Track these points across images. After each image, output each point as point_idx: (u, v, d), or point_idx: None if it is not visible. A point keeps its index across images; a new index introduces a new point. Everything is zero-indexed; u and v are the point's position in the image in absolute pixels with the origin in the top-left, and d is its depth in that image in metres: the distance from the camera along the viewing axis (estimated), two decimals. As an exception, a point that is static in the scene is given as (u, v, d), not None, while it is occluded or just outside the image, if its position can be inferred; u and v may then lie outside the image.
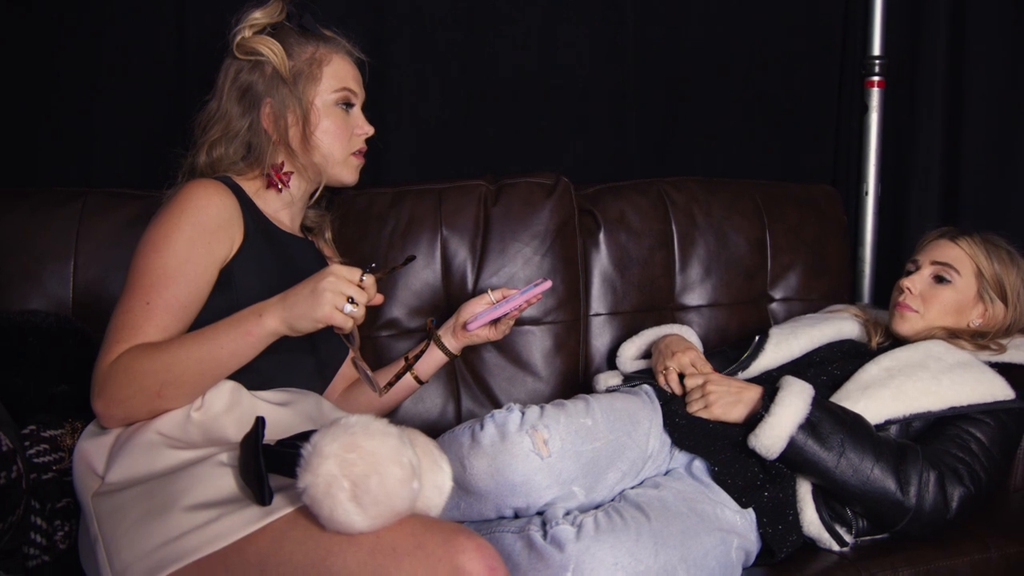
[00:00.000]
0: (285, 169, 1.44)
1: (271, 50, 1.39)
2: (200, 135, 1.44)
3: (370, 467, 1.01)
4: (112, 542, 1.13)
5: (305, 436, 1.07)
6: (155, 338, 1.23)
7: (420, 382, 1.62)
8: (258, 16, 1.42)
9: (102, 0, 1.91)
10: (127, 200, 1.73)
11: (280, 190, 1.44)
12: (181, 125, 1.49)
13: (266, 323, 1.21)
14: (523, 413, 1.38)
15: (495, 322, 1.60)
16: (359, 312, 1.20)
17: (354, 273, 1.21)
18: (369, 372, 1.34)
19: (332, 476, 1.01)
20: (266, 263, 1.37)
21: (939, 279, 1.67)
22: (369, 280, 1.22)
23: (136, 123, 1.94)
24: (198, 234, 1.29)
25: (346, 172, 1.47)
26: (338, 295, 1.19)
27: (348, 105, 1.45)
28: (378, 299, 1.25)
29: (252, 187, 1.43)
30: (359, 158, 1.49)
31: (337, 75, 1.44)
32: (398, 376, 1.47)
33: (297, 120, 1.41)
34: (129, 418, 1.24)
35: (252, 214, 1.39)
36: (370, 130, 1.48)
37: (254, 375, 1.29)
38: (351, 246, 1.77)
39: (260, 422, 1.12)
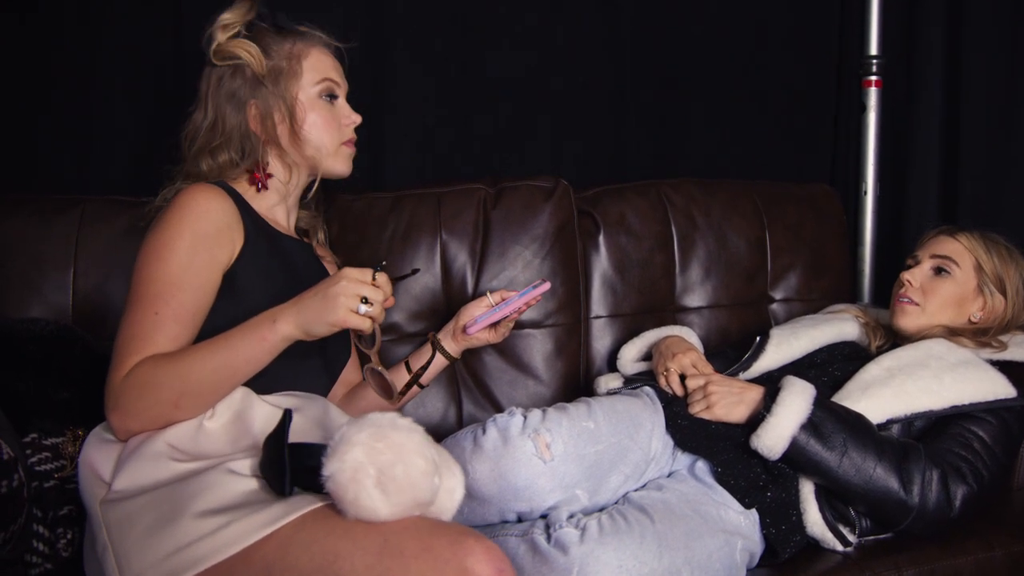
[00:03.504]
0: (268, 169, 1.43)
1: (247, 52, 1.38)
2: (189, 147, 1.43)
3: (396, 456, 1.04)
4: (123, 550, 1.13)
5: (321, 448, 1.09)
6: (166, 348, 1.23)
7: (421, 386, 1.62)
8: (227, 17, 1.40)
9: (101, 7, 1.91)
10: (126, 207, 1.73)
11: (259, 189, 1.44)
12: (180, 133, 1.48)
13: (280, 328, 1.21)
14: (525, 417, 1.37)
15: (494, 325, 1.59)
16: (376, 311, 1.20)
17: (366, 274, 1.21)
18: (387, 375, 1.34)
19: (359, 463, 1.03)
20: (268, 265, 1.37)
21: (939, 271, 1.68)
22: (382, 278, 1.22)
23: (135, 130, 1.95)
24: (200, 240, 1.28)
25: (339, 162, 1.47)
26: (352, 297, 1.19)
27: (332, 96, 1.45)
28: (389, 301, 1.25)
29: (247, 188, 1.43)
30: (350, 147, 1.48)
31: (316, 68, 1.43)
32: (408, 386, 1.47)
33: (284, 118, 1.40)
34: (145, 429, 1.23)
35: (251, 217, 1.39)
36: (357, 119, 1.47)
37: (261, 375, 1.28)
38: (351, 251, 1.77)
39: (288, 415, 1.13)
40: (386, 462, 1.04)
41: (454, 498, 1.14)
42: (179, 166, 1.45)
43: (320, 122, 1.43)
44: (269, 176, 1.44)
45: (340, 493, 1.04)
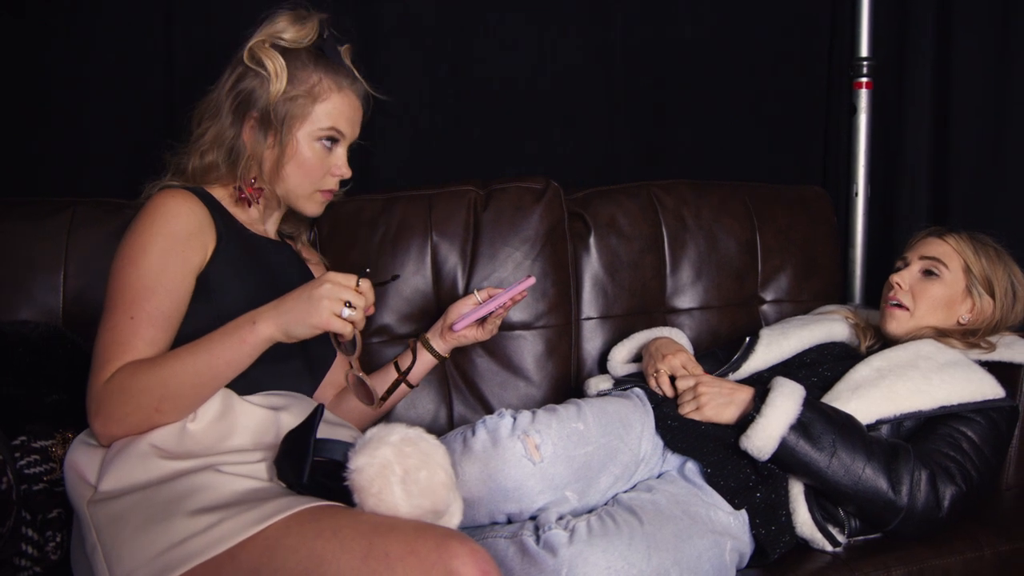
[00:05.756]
0: (257, 184, 1.43)
1: (275, 71, 1.37)
2: (196, 126, 1.43)
3: (422, 462, 1.11)
4: (113, 549, 1.13)
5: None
6: (144, 352, 1.23)
7: (410, 386, 1.62)
8: (289, 34, 1.38)
9: (92, 10, 1.91)
10: (116, 210, 1.73)
11: (250, 205, 1.44)
12: (171, 135, 1.48)
13: (260, 330, 1.22)
14: (515, 418, 1.38)
15: (482, 322, 1.60)
16: (358, 316, 1.21)
17: (350, 279, 1.22)
18: (368, 382, 1.35)
19: (387, 461, 1.09)
20: (242, 267, 1.37)
21: (928, 273, 1.68)
22: (366, 284, 1.23)
23: (126, 133, 1.94)
24: (171, 244, 1.29)
25: (309, 206, 1.45)
26: (335, 301, 1.20)
27: (332, 141, 1.42)
28: (370, 309, 1.25)
29: (223, 193, 1.43)
30: (326, 195, 1.46)
31: (330, 114, 1.40)
32: (392, 389, 1.48)
33: (274, 145, 1.39)
34: (128, 434, 1.24)
35: (224, 220, 1.39)
36: (347, 174, 1.45)
37: (241, 378, 1.28)
38: (341, 253, 1.77)
39: (320, 408, 1.17)
40: (412, 465, 1.10)
41: (452, 522, 1.18)
42: (179, 145, 1.44)
43: (307, 165, 1.41)
44: (260, 190, 1.43)
45: (365, 485, 1.09)
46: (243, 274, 1.37)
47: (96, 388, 1.22)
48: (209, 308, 1.31)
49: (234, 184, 1.43)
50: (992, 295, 1.66)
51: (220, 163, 1.41)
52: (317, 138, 1.41)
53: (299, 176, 1.41)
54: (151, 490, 1.17)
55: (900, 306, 1.68)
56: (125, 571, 1.11)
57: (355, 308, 1.20)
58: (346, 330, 1.21)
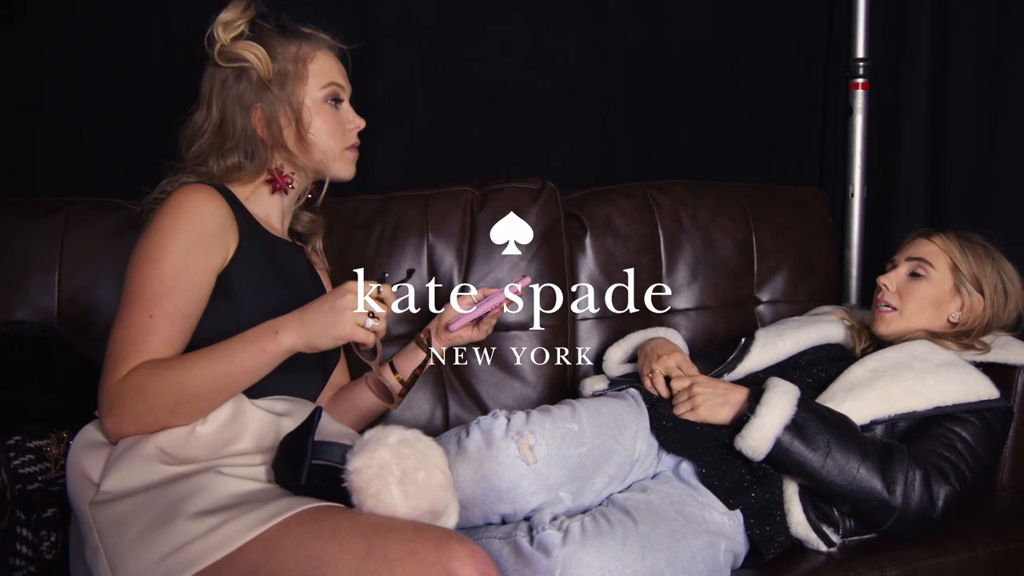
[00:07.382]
0: (286, 171, 1.43)
1: (254, 55, 1.37)
2: (187, 147, 1.41)
3: (420, 463, 1.12)
4: (116, 552, 1.13)
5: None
6: (161, 351, 1.22)
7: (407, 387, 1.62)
8: (227, 16, 1.38)
9: (89, 12, 1.91)
10: (112, 210, 1.73)
11: (287, 192, 1.44)
12: (167, 135, 1.47)
13: (282, 340, 1.22)
14: (509, 419, 1.38)
15: (477, 322, 1.60)
16: (381, 326, 1.22)
17: (371, 287, 1.22)
18: (388, 384, 1.38)
19: (385, 462, 1.10)
20: (262, 268, 1.37)
21: (914, 274, 1.69)
22: (387, 291, 1.24)
23: (123, 133, 1.95)
24: (194, 242, 1.28)
25: (343, 167, 1.46)
26: (358, 312, 1.20)
27: (337, 100, 1.44)
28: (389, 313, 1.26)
29: (244, 192, 1.42)
30: (354, 151, 1.47)
31: (323, 71, 1.42)
32: (407, 389, 1.48)
33: (290, 121, 1.39)
34: (139, 433, 1.23)
35: (246, 219, 1.38)
36: (361, 123, 1.47)
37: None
38: (337, 253, 1.76)
39: (318, 411, 1.17)
40: (410, 466, 1.11)
41: (449, 523, 1.18)
42: (179, 163, 1.43)
43: (326, 127, 1.42)
44: (292, 176, 1.43)
45: (363, 486, 1.10)
46: (262, 275, 1.36)
47: (110, 386, 1.21)
48: (228, 308, 1.30)
49: (266, 178, 1.43)
50: (981, 292, 1.66)
51: (243, 161, 1.40)
52: (324, 99, 1.42)
53: (324, 137, 1.42)
54: (154, 492, 1.17)
55: (889, 307, 1.68)
56: (129, 575, 1.11)
57: (378, 318, 1.21)
58: (370, 340, 1.22)
